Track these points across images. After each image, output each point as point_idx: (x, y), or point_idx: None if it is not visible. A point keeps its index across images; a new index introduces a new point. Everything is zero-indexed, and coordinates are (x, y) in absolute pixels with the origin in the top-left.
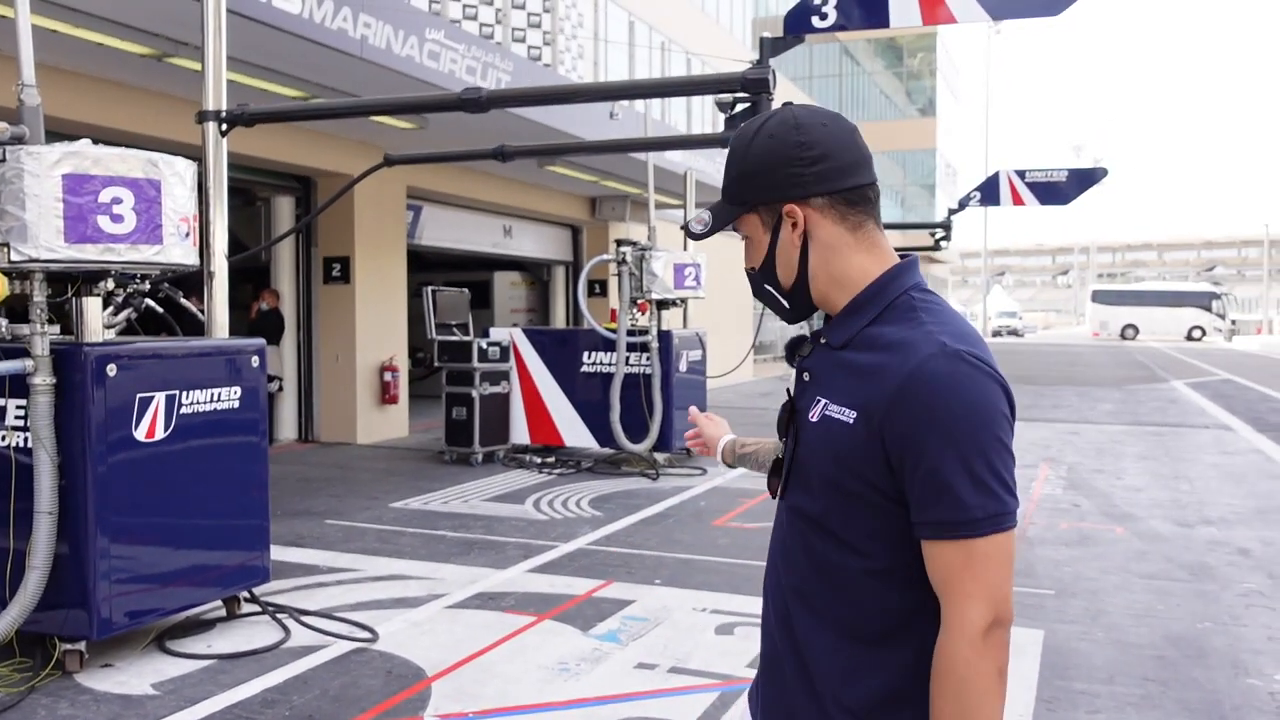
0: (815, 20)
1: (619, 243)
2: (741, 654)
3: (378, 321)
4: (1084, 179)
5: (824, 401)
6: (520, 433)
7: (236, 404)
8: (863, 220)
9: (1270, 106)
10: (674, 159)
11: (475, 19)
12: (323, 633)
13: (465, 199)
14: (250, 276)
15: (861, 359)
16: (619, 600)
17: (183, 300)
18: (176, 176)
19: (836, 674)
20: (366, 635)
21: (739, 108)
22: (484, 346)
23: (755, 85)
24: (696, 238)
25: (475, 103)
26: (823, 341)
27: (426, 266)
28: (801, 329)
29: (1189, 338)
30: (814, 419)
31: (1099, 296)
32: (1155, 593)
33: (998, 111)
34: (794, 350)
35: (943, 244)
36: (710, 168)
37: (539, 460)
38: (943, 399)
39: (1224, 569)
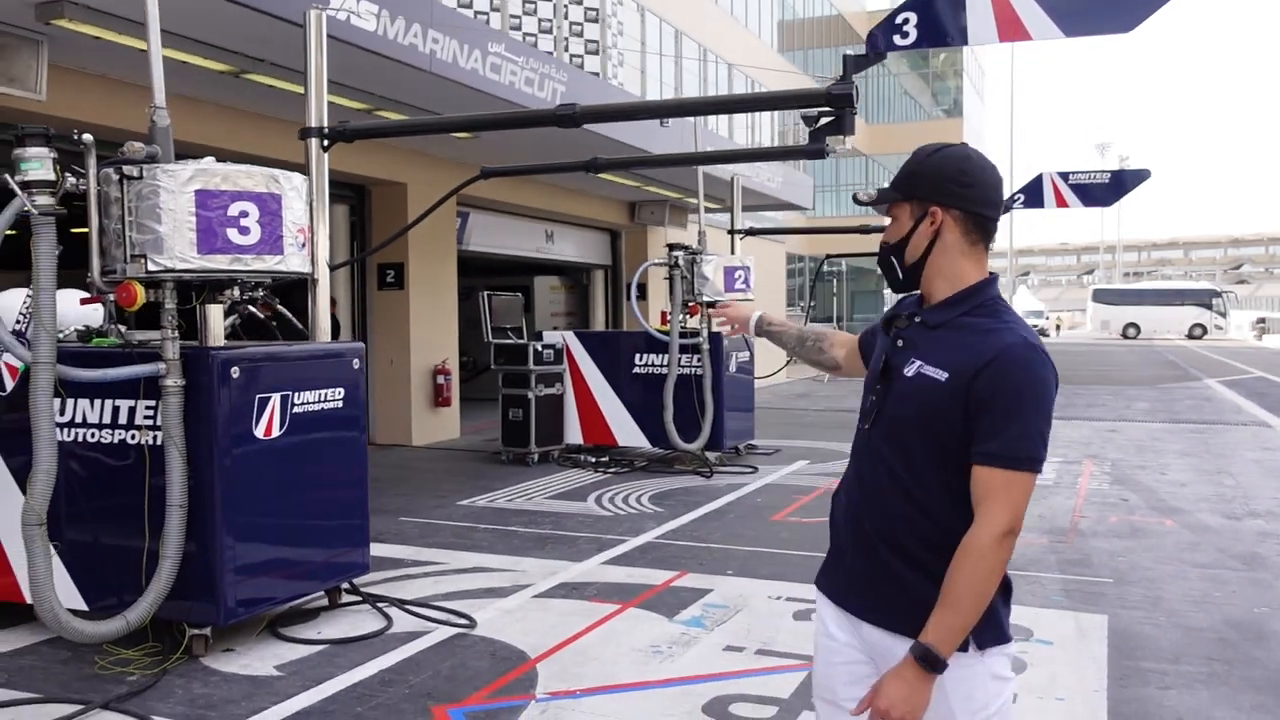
0: (897, 39)
1: (670, 247)
2: None
3: (431, 326)
4: (1126, 180)
5: (919, 363)
6: (574, 433)
7: (340, 404)
8: (977, 240)
9: None
10: (723, 165)
11: (519, 29)
12: (425, 619)
13: (510, 205)
14: None
15: (956, 337)
16: (697, 589)
17: (279, 306)
18: (294, 190)
19: (897, 544)
20: (465, 622)
21: (823, 121)
22: (539, 349)
23: (839, 100)
24: (861, 204)
25: (570, 118)
26: (917, 320)
27: (467, 271)
28: (899, 305)
29: (1190, 335)
30: (909, 374)
31: (1100, 295)
32: (1210, 580)
33: (1023, 112)
34: (891, 321)
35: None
36: (751, 172)
37: (593, 460)
38: (1022, 373)
39: (1275, 559)
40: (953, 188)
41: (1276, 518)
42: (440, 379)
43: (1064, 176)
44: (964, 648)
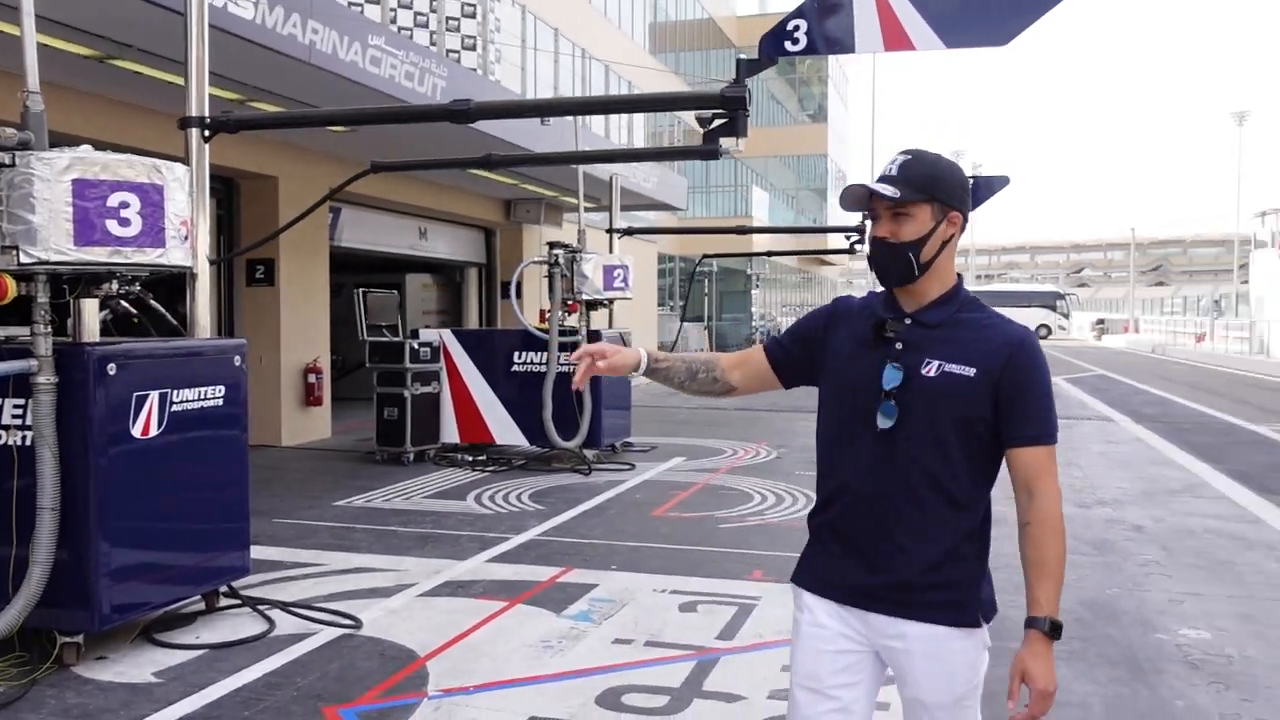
0: (788, 44)
1: (551, 245)
2: (708, 628)
3: (302, 323)
4: (988, 186)
5: (938, 362)
6: (450, 432)
7: (221, 401)
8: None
9: (1131, 115)
10: (602, 165)
11: (395, 22)
12: (309, 619)
13: (384, 201)
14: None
15: (962, 334)
16: (583, 584)
17: (152, 301)
18: (177, 181)
19: (923, 536)
20: (350, 622)
21: (716, 122)
22: (415, 347)
23: (733, 102)
24: (883, 198)
25: (464, 114)
26: (908, 322)
27: (336, 268)
28: (841, 304)
29: (1036, 335)
30: (930, 374)
31: None
32: (1066, 565)
33: (884, 118)
34: (882, 325)
35: (857, 247)
36: (628, 172)
37: (470, 459)
38: (1039, 360)
39: (1123, 543)
40: (965, 196)
41: (1122, 505)
42: (312, 377)
43: None
44: (975, 623)
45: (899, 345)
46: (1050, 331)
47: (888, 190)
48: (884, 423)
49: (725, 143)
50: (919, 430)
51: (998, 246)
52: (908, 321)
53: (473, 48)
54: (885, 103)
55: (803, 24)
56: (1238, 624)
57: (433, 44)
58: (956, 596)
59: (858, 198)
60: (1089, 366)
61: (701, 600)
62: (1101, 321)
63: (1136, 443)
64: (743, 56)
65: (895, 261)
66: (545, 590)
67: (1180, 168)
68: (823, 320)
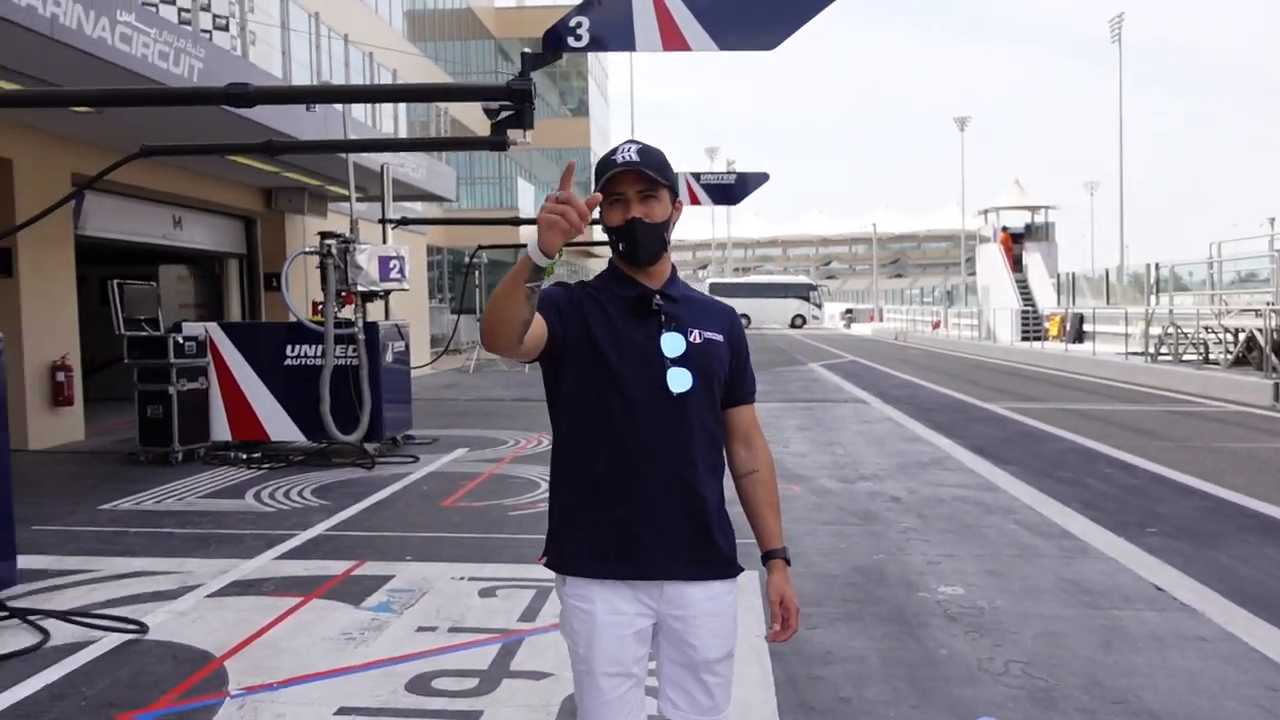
0: (571, 40)
1: (323, 235)
2: (509, 612)
3: (46, 317)
4: (750, 181)
5: (697, 330)
6: (221, 429)
7: None
8: None
9: (870, 117)
10: (370, 154)
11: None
12: (90, 626)
13: (134, 187)
14: None
15: (696, 306)
16: (379, 576)
17: None
18: None
19: (711, 489)
20: (135, 627)
21: (503, 114)
22: (180, 341)
23: (519, 95)
24: (647, 182)
25: (242, 98)
26: (659, 299)
27: (81, 259)
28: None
29: (792, 325)
30: (697, 341)
31: (715, 289)
32: (836, 535)
33: (643, 115)
34: (647, 301)
35: None
36: (397, 162)
37: (244, 456)
38: (744, 330)
39: (884, 514)
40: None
41: (881, 479)
42: (60, 376)
43: (696, 176)
44: (737, 572)
45: (663, 318)
46: (805, 321)
47: (651, 173)
48: (680, 386)
49: (512, 134)
50: (698, 392)
51: (752, 240)
52: (659, 298)
53: (225, 28)
54: (641, 98)
55: (585, 21)
56: (986, 579)
57: (184, 22)
58: (729, 551)
59: (638, 178)
60: (841, 353)
61: (500, 585)
62: (850, 311)
63: (888, 422)
64: (527, 50)
65: (653, 240)
66: (341, 584)
67: (914, 167)
68: (574, 297)
